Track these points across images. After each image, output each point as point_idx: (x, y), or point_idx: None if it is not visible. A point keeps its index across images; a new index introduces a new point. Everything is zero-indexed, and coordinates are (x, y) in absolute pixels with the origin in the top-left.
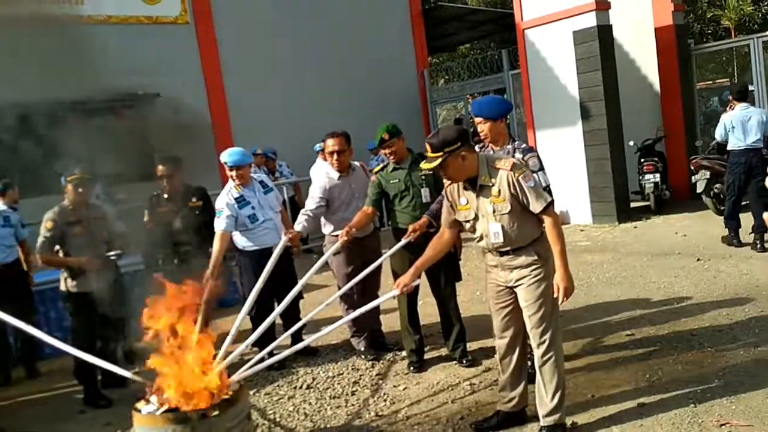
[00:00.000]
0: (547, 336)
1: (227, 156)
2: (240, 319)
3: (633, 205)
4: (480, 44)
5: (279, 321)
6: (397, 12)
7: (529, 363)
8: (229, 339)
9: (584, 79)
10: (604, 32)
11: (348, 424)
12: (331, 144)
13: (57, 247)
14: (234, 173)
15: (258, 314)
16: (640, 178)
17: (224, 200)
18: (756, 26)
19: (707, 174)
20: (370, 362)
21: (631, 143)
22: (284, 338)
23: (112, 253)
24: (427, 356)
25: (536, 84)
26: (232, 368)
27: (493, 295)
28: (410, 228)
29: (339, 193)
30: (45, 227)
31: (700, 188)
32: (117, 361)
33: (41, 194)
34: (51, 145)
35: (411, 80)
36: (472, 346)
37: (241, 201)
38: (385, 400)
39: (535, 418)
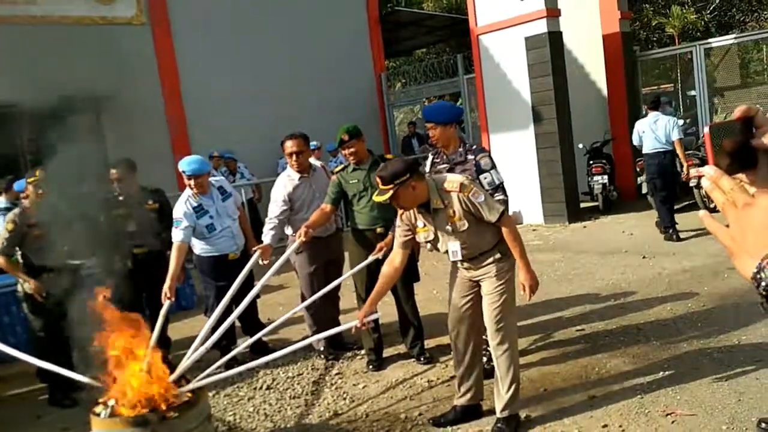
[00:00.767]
0: (504, 328)
1: (185, 165)
2: (206, 328)
3: (582, 205)
4: (436, 49)
5: (237, 323)
6: (354, 16)
7: (485, 359)
8: (195, 345)
9: (536, 84)
10: (555, 38)
11: (308, 424)
12: (289, 145)
13: (16, 249)
14: (192, 182)
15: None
16: (589, 179)
17: (182, 209)
18: (698, 34)
19: None
20: (330, 362)
21: (581, 146)
22: (246, 345)
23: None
24: (385, 354)
25: (490, 88)
26: (195, 372)
27: (456, 286)
28: (378, 246)
29: (300, 194)
30: (6, 228)
31: (645, 189)
32: (73, 365)
33: None
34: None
35: (369, 83)
36: (429, 343)
37: (199, 210)
38: (344, 399)
39: (491, 412)
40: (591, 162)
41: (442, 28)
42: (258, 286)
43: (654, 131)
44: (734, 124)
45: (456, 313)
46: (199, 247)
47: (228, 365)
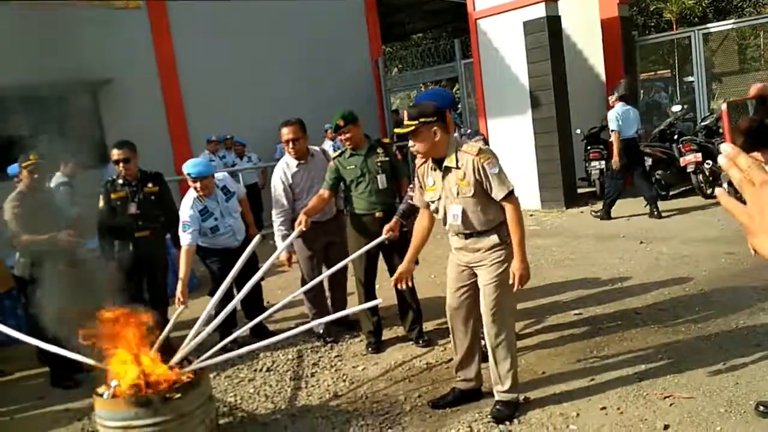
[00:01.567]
0: (500, 317)
1: (190, 167)
2: (207, 310)
3: (580, 191)
4: (433, 33)
5: (239, 307)
6: (351, 1)
7: (483, 342)
8: (196, 327)
9: (534, 69)
10: (553, 23)
11: (309, 405)
12: (285, 132)
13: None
14: (198, 185)
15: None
16: (587, 165)
17: (188, 213)
18: (696, 19)
19: (649, 161)
20: (329, 344)
21: (578, 131)
22: (246, 329)
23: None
24: (384, 337)
25: (488, 73)
26: (195, 354)
27: (454, 275)
28: (385, 229)
29: (299, 181)
30: (11, 212)
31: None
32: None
33: None
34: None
35: (365, 68)
36: (427, 327)
37: (204, 213)
38: (344, 381)
39: (490, 394)
40: (588, 148)
41: (438, 13)
42: (260, 272)
43: (627, 120)
44: (749, 103)
45: (453, 300)
46: (200, 240)
47: (228, 348)
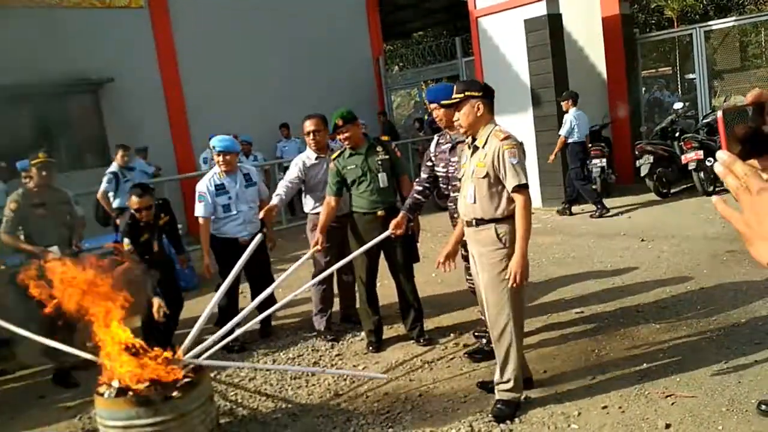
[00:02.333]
0: (502, 320)
1: (217, 141)
2: (210, 306)
3: None
4: (434, 31)
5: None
6: None
7: (484, 341)
8: (198, 324)
9: (535, 67)
10: (554, 21)
11: (309, 404)
12: (308, 124)
13: (19, 228)
14: (221, 159)
15: (224, 301)
16: (588, 162)
17: (205, 185)
18: (697, 17)
19: (651, 158)
20: (330, 343)
21: None
22: (254, 323)
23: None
24: (384, 336)
25: (489, 71)
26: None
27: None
28: (392, 224)
29: (317, 173)
30: (9, 208)
31: (644, 172)
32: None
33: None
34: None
35: (366, 66)
36: (428, 325)
37: (220, 189)
38: (344, 380)
39: (492, 392)
40: (589, 145)
41: (439, 11)
42: (277, 282)
43: (580, 125)
44: (746, 109)
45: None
46: (212, 227)
47: (230, 346)
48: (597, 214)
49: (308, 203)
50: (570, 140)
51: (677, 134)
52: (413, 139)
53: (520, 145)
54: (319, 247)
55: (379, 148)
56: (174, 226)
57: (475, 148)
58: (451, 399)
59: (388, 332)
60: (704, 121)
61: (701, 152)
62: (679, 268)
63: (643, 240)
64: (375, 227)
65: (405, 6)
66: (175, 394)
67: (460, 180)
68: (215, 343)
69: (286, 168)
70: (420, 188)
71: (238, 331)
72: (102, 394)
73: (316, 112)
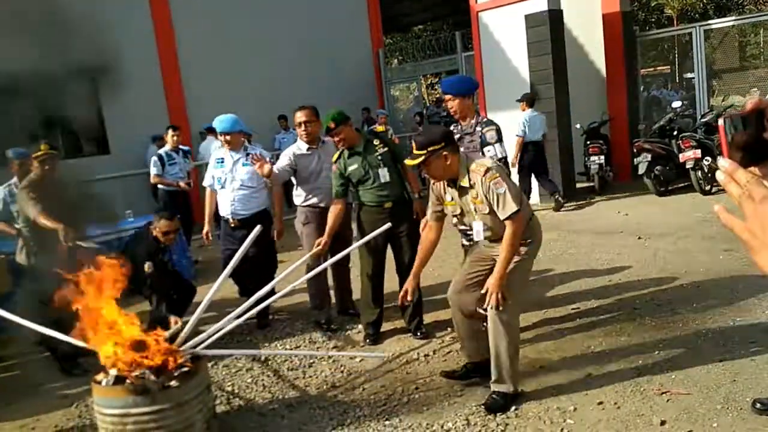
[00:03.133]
0: (504, 310)
1: (217, 122)
2: (213, 290)
3: (578, 185)
4: (434, 25)
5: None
6: None
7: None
8: (200, 309)
9: (535, 63)
10: (555, 17)
11: (306, 396)
12: (299, 115)
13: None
14: (222, 138)
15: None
16: (586, 159)
17: (209, 156)
18: (697, 15)
19: (648, 156)
20: (327, 335)
21: (578, 126)
22: (250, 315)
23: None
24: (382, 329)
25: (489, 66)
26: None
27: (473, 258)
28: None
29: (308, 164)
30: (28, 196)
31: (641, 170)
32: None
33: None
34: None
35: (366, 59)
36: (426, 319)
37: (219, 161)
38: (342, 372)
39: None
40: (588, 142)
41: (440, 5)
42: (282, 275)
43: (534, 125)
44: (746, 116)
45: (460, 283)
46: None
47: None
48: (555, 207)
49: (299, 195)
50: (525, 140)
51: (675, 133)
52: (412, 133)
53: (500, 167)
54: (321, 248)
55: (376, 142)
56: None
57: (462, 188)
58: (448, 392)
59: (385, 325)
60: (702, 120)
61: (699, 151)
62: (675, 266)
63: (640, 238)
64: (382, 219)
65: None
66: (172, 383)
67: (456, 217)
68: (214, 333)
69: None
70: None
71: (235, 322)
72: (99, 382)
73: (309, 104)
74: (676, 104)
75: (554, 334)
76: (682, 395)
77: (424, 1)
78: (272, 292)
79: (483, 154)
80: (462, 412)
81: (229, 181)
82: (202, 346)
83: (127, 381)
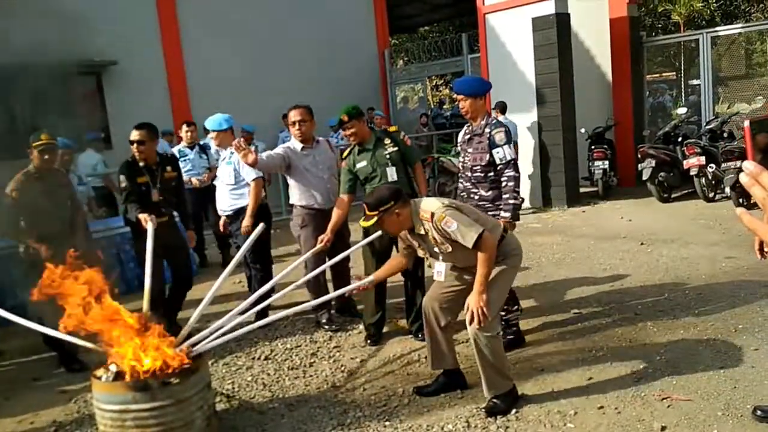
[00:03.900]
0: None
1: (208, 121)
2: (211, 293)
3: (582, 190)
4: (440, 27)
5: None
6: None
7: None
8: (198, 310)
9: (541, 66)
10: (562, 20)
11: (306, 395)
12: (293, 114)
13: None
14: (211, 136)
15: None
16: (590, 164)
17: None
18: (704, 22)
19: (653, 162)
20: (328, 335)
21: (583, 130)
22: (250, 314)
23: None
24: (383, 330)
25: (495, 68)
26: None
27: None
28: None
29: (302, 163)
30: (11, 196)
31: (645, 176)
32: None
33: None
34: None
35: (371, 60)
36: None
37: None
38: (342, 372)
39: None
40: (592, 147)
41: (446, 6)
42: (281, 274)
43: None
44: None
45: (436, 292)
46: None
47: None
48: None
49: (294, 194)
50: None
51: (680, 139)
52: (417, 135)
53: (446, 206)
54: (324, 244)
55: (387, 141)
56: (180, 186)
57: (419, 236)
58: (448, 394)
59: (386, 326)
60: (707, 127)
61: (703, 158)
62: (677, 273)
63: (642, 243)
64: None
65: (412, 0)
66: (173, 380)
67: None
68: (214, 331)
69: None
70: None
71: (237, 320)
72: (99, 378)
73: (314, 102)
74: (681, 111)
75: (555, 337)
76: (683, 401)
77: (431, 3)
78: (272, 290)
79: (492, 155)
80: (462, 414)
81: (219, 176)
82: (203, 344)
83: (127, 377)
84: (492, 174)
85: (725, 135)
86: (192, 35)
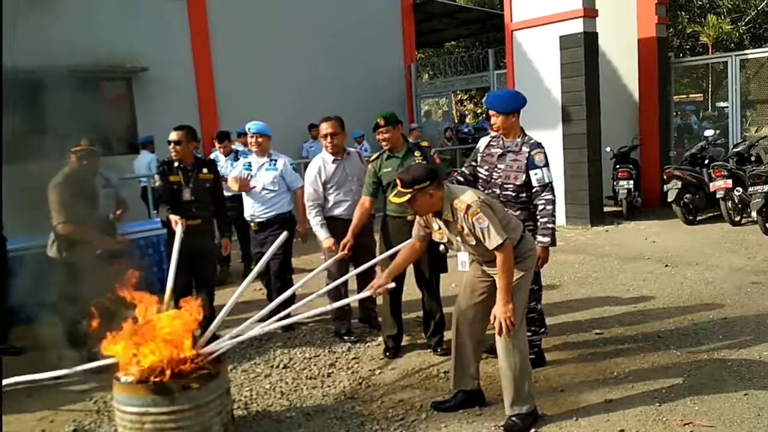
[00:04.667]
0: (512, 329)
1: (252, 124)
2: (233, 299)
3: (606, 209)
4: (466, 42)
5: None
6: (388, 4)
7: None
8: (220, 316)
9: (567, 84)
10: (590, 39)
11: (323, 405)
12: (325, 126)
13: None
14: (254, 140)
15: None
16: (615, 183)
17: (240, 161)
18: (732, 45)
19: (679, 184)
20: (347, 346)
21: (608, 149)
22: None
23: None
24: (402, 343)
25: (521, 85)
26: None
27: (471, 280)
28: None
29: (333, 176)
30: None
31: (671, 197)
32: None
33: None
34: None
35: (397, 73)
36: (447, 336)
37: (246, 165)
38: (360, 384)
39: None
40: (617, 166)
41: (474, 22)
42: (301, 281)
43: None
44: None
45: (464, 302)
46: None
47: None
48: None
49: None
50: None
51: (707, 161)
52: (441, 148)
53: (483, 204)
54: (345, 252)
55: (417, 153)
56: (218, 189)
57: (446, 222)
58: (467, 410)
59: (405, 339)
60: (734, 150)
61: (730, 181)
62: (702, 297)
63: (666, 265)
64: (404, 231)
65: (440, 15)
66: (193, 384)
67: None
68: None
69: None
70: (460, 178)
71: (257, 327)
72: (119, 379)
73: (339, 114)
74: (709, 133)
75: (576, 357)
76: (705, 427)
77: (459, 18)
78: (293, 297)
79: (528, 176)
80: (480, 431)
81: (257, 182)
82: (220, 341)
83: (150, 380)
84: (524, 195)
85: (753, 158)
86: (221, 43)
